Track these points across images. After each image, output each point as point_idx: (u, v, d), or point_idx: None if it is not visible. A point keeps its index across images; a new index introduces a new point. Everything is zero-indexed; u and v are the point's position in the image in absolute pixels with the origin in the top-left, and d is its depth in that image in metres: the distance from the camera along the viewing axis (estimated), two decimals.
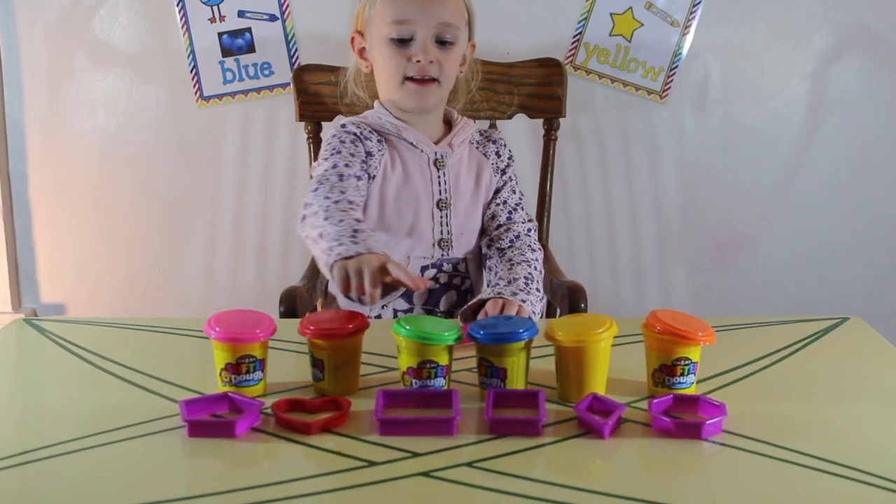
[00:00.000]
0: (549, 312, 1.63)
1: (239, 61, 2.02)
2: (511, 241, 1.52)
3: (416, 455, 0.92)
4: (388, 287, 1.16)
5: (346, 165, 1.42)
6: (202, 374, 1.13)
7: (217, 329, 1.05)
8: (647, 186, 2.12)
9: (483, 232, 1.56)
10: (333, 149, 1.45)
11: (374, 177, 1.47)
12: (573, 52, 2.03)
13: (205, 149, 2.08)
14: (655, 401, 1.01)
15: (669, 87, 2.05)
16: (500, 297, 1.35)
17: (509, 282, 1.41)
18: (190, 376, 1.13)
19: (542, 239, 1.77)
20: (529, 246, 1.51)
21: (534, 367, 1.09)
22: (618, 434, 0.98)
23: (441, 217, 1.51)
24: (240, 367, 1.06)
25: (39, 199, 2.11)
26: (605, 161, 2.10)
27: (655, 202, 2.13)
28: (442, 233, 1.51)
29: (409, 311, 1.48)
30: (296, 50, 2.02)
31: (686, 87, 2.06)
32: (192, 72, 2.02)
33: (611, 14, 2.02)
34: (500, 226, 1.54)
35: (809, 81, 2.07)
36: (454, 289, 1.53)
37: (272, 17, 2.00)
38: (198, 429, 0.97)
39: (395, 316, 1.48)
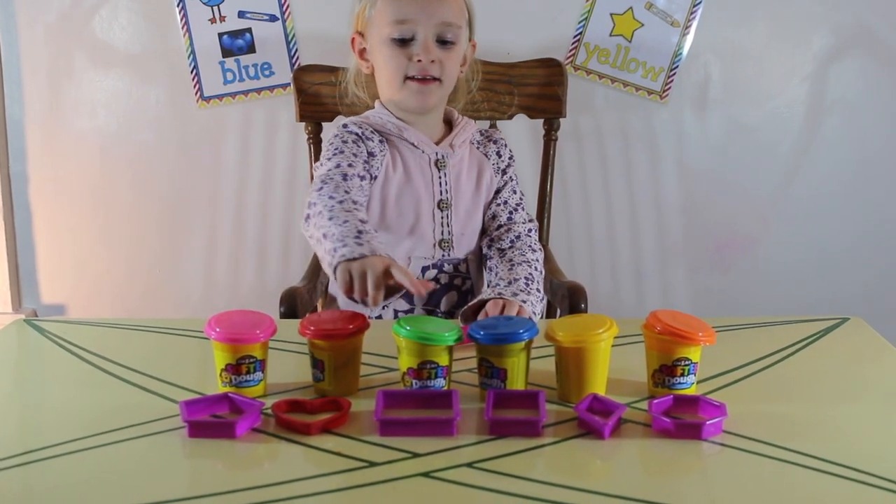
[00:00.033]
0: (550, 313, 1.63)
1: (239, 62, 2.02)
2: (511, 241, 1.52)
3: (416, 455, 0.92)
4: (391, 289, 1.16)
5: (350, 165, 1.42)
6: (202, 374, 1.13)
7: (217, 329, 1.05)
8: (647, 187, 2.12)
9: (484, 232, 1.56)
10: (336, 149, 1.45)
11: (375, 177, 1.47)
12: (573, 52, 2.03)
13: (205, 149, 2.08)
14: (655, 401, 1.01)
15: (669, 88, 2.05)
16: (501, 298, 1.35)
17: (510, 282, 1.41)
18: (190, 377, 1.13)
19: (543, 239, 1.77)
20: (530, 246, 1.51)
21: (534, 367, 1.09)
22: (618, 434, 0.98)
23: (442, 218, 1.51)
24: (240, 368, 1.06)
25: (39, 199, 2.11)
26: (605, 161, 2.10)
27: (655, 203, 2.13)
28: (443, 233, 1.51)
29: (410, 311, 1.48)
30: (296, 50, 2.02)
31: (686, 87, 2.06)
32: (192, 72, 2.02)
33: (611, 14, 2.02)
34: (500, 226, 1.54)
35: (809, 82, 2.07)
36: (455, 289, 1.53)
37: (272, 18, 2.01)
38: (198, 429, 0.97)
39: (396, 316, 1.48)
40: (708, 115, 2.08)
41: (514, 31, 2.00)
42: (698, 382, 1.09)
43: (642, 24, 2.02)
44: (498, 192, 1.57)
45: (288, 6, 2.00)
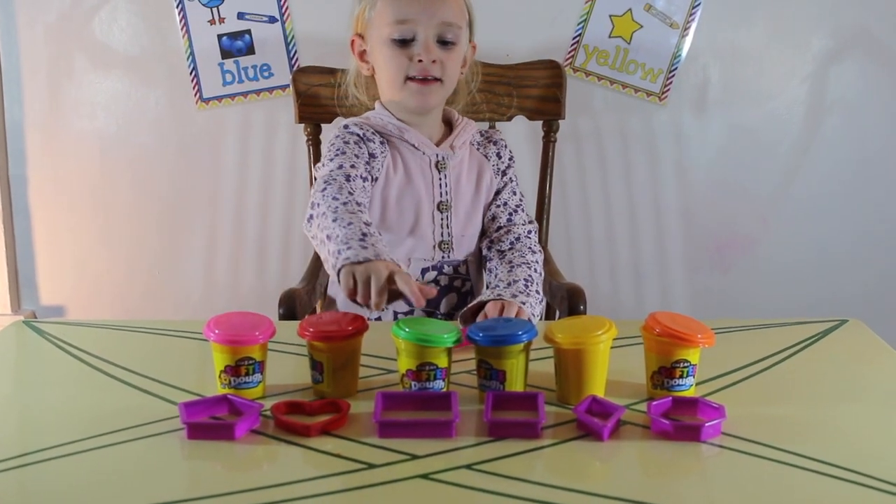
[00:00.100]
0: (549, 314, 1.63)
1: (238, 63, 2.02)
2: (511, 243, 1.52)
3: (415, 457, 0.92)
4: (393, 294, 1.15)
5: (352, 166, 1.42)
6: (201, 376, 1.13)
7: (216, 331, 1.05)
8: (646, 188, 2.12)
9: (483, 234, 1.56)
10: (338, 149, 1.45)
11: (376, 179, 1.47)
12: (572, 53, 2.04)
13: (204, 150, 2.08)
14: (654, 403, 1.01)
15: (669, 89, 2.05)
16: (500, 299, 1.35)
17: (509, 284, 1.41)
18: (189, 378, 1.13)
19: (542, 241, 1.77)
20: (530, 248, 1.51)
21: (533, 369, 1.09)
22: (617, 436, 0.98)
23: (442, 219, 1.51)
24: (239, 370, 1.06)
25: (39, 200, 2.11)
26: (604, 163, 2.10)
27: (655, 204, 2.13)
28: (442, 235, 1.51)
29: (410, 313, 1.48)
30: (295, 52, 2.02)
31: (685, 88, 2.06)
32: (191, 74, 2.02)
33: (610, 16, 2.02)
34: (500, 227, 1.54)
35: (809, 83, 2.07)
36: (454, 291, 1.53)
37: (272, 19, 2.01)
38: (197, 431, 0.97)
39: (395, 318, 1.48)
40: (707, 117, 2.08)
41: (514, 32, 2.00)
42: (697, 384, 1.09)
43: (641, 26, 2.02)
44: (498, 193, 1.57)
45: (287, 8, 2.00)
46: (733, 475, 0.90)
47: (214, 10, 1.99)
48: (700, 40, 2.03)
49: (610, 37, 2.02)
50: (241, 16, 2.00)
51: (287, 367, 1.16)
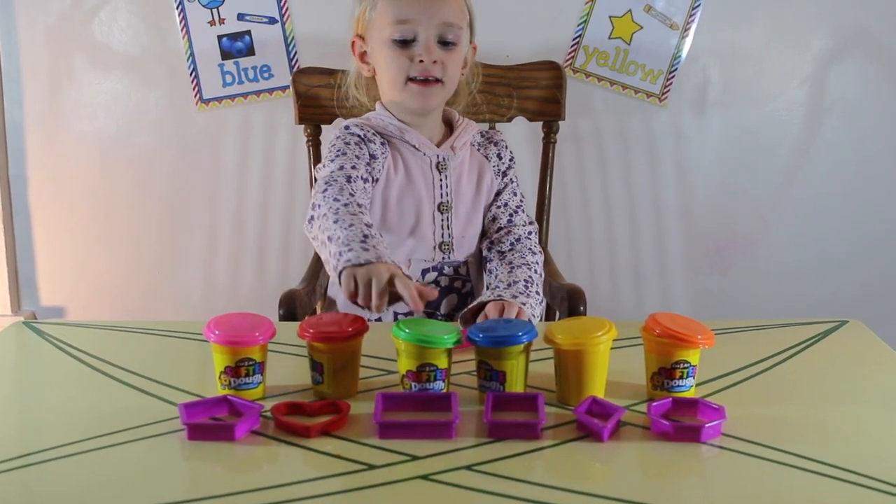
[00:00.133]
0: (549, 315, 1.63)
1: (238, 64, 2.02)
2: (512, 244, 1.52)
3: (415, 458, 0.92)
4: (394, 296, 1.15)
5: (353, 167, 1.42)
6: (201, 377, 1.13)
7: (216, 332, 1.05)
8: (646, 189, 2.12)
9: (484, 234, 1.56)
10: (339, 150, 1.45)
11: (377, 180, 1.47)
12: (572, 54, 2.04)
13: (204, 151, 2.08)
14: (654, 404, 1.01)
15: (669, 90, 2.05)
16: (500, 300, 1.35)
17: (509, 285, 1.41)
18: (189, 379, 1.13)
19: (542, 242, 1.77)
20: (530, 249, 1.51)
21: (533, 370, 1.09)
22: (617, 437, 0.98)
23: (442, 220, 1.51)
24: (239, 371, 1.06)
25: (39, 201, 2.11)
26: (604, 164, 2.10)
27: (655, 205, 2.13)
28: (443, 236, 1.51)
29: (410, 314, 1.48)
30: (295, 53, 2.02)
31: (685, 89, 2.06)
32: (191, 75, 2.02)
33: (610, 17, 2.02)
34: (500, 228, 1.54)
35: (809, 84, 2.08)
36: (455, 292, 1.53)
37: (272, 20, 2.01)
38: (197, 432, 0.97)
39: (395, 319, 1.48)
40: (707, 118, 2.08)
41: (514, 33, 2.00)
42: (697, 385, 1.09)
43: (641, 27, 2.02)
44: (498, 194, 1.57)
45: (287, 9, 2.00)
46: (733, 476, 0.90)
47: (214, 10, 1.99)
48: (700, 41, 2.03)
49: (610, 38, 2.03)
50: (241, 17, 2.00)
51: (287, 368, 1.16)
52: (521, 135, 1.99)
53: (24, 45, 2.03)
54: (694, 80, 2.06)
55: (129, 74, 2.04)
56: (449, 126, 1.57)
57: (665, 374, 1.06)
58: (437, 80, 1.47)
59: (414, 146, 1.50)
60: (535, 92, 1.77)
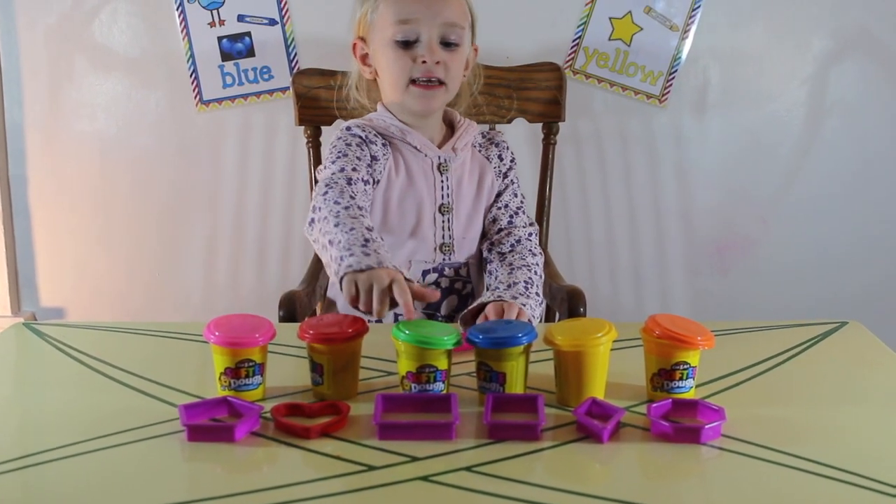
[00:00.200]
0: (549, 317, 1.63)
1: (238, 65, 2.02)
2: (512, 245, 1.52)
3: (415, 459, 0.92)
4: (395, 301, 1.15)
5: (354, 169, 1.42)
6: (201, 378, 1.13)
7: (216, 333, 1.05)
8: (646, 190, 2.12)
9: (484, 235, 1.56)
10: (340, 152, 1.45)
11: (378, 181, 1.47)
12: (572, 56, 2.04)
13: (204, 153, 2.08)
14: (654, 405, 1.01)
15: (668, 91, 2.05)
16: (500, 301, 1.35)
17: (509, 286, 1.40)
18: (189, 380, 1.13)
19: (542, 243, 1.77)
20: (530, 250, 1.51)
21: (533, 371, 1.09)
22: (617, 438, 0.98)
23: (443, 221, 1.51)
24: (239, 372, 1.06)
25: (39, 202, 2.12)
26: (604, 165, 2.10)
27: (654, 206, 2.13)
28: (444, 237, 1.51)
29: None
30: (295, 54, 2.02)
31: (685, 90, 2.06)
32: (191, 76, 2.02)
33: (610, 18, 2.02)
34: (501, 230, 1.54)
35: (809, 85, 2.08)
36: (455, 293, 1.52)
37: (272, 22, 2.01)
38: (197, 433, 0.97)
39: (396, 320, 1.48)
40: (707, 119, 2.08)
41: (514, 35, 2.00)
42: (697, 386, 1.09)
43: (641, 28, 2.02)
44: (499, 195, 1.57)
45: (287, 10, 2.00)
46: (733, 477, 0.90)
47: (214, 12, 1.99)
48: (700, 42, 2.03)
49: (610, 39, 2.03)
50: (241, 18, 2.00)
51: (287, 369, 1.16)
52: (521, 136, 1.99)
53: (25, 45, 2.03)
54: (694, 82, 2.06)
55: (130, 75, 2.04)
56: (450, 127, 1.57)
57: (665, 376, 1.06)
58: (440, 83, 1.46)
59: (415, 147, 1.50)
60: (536, 93, 1.77)
